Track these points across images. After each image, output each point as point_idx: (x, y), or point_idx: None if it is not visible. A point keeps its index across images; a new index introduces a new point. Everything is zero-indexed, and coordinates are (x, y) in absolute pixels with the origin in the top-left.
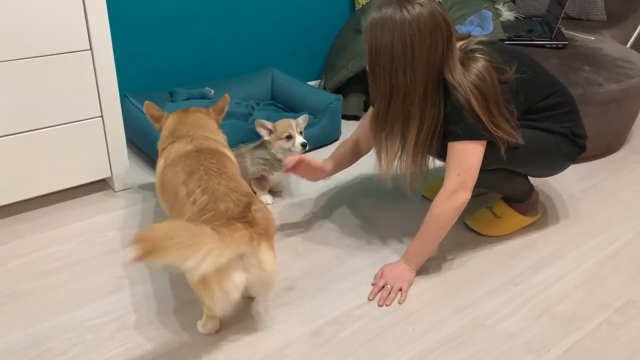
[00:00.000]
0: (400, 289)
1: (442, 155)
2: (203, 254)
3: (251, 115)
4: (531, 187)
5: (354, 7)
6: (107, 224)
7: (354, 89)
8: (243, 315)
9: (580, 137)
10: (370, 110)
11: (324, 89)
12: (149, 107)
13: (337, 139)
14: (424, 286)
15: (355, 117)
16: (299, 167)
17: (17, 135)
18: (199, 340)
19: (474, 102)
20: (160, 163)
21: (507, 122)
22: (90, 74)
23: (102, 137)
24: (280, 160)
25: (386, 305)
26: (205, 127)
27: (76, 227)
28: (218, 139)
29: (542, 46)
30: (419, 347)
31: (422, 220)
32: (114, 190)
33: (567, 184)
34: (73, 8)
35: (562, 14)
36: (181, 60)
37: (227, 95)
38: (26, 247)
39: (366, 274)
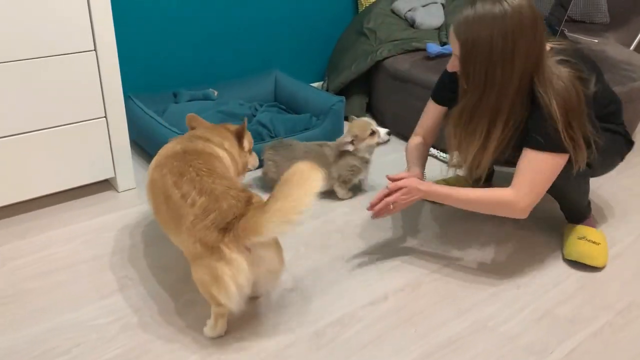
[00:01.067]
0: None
1: (504, 161)
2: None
3: (254, 116)
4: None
5: (357, 8)
6: (110, 224)
7: (357, 90)
8: (245, 316)
9: (628, 134)
10: (431, 106)
11: (327, 90)
12: (190, 120)
13: None
14: (425, 288)
15: None
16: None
17: (21, 135)
18: (201, 340)
19: (557, 113)
20: (152, 162)
21: (585, 138)
22: (94, 75)
23: (105, 138)
24: (367, 161)
25: (369, 210)
26: (215, 133)
27: (79, 227)
28: (216, 141)
29: None
30: (421, 348)
31: (438, 218)
32: (117, 191)
33: None
34: (78, 9)
35: (566, 17)
36: (185, 61)
37: (245, 123)
38: (29, 247)
39: (368, 275)
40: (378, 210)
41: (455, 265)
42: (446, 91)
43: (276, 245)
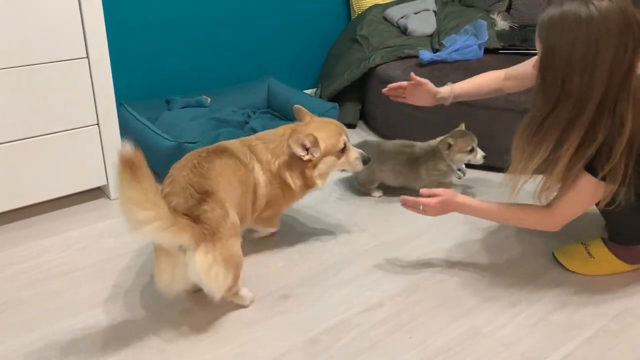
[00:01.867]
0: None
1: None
2: (152, 216)
3: (247, 123)
4: None
5: (350, 15)
6: (103, 232)
7: (350, 97)
8: (240, 324)
9: None
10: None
11: (320, 97)
12: (296, 112)
13: None
14: (420, 295)
15: (352, 125)
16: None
17: (13, 142)
18: (195, 348)
19: (623, 142)
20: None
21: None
22: (86, 82)
23: (98, 145)
24: (452, 170)
25: (405, 205)
26: (270, 138)
27: (72, 235)
28: (260, 152)
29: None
30: (416, 356)
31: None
32: (109, 198)
33: None
34: (69, 16)
35: None
36: (178, 68)
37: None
38: (21, 255)
39: (363, 281)
40: (407, 202)
41: (450, 271)
42: None
43: (205, 253)
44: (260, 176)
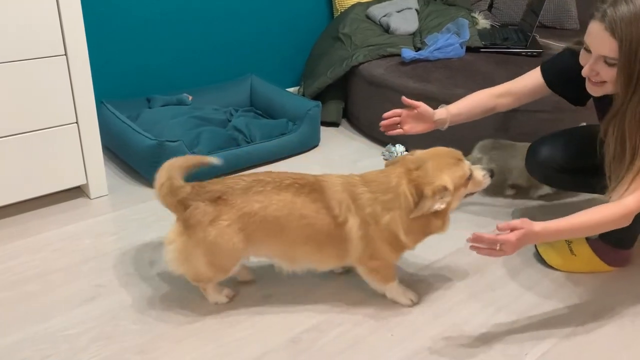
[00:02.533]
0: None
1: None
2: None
3: (229, 121)
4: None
5: (333, 14)
6: (82, 232)
7: (333, 95)
8: (222, 324)
9: None
10: (534, 73)
11: (303, 95)
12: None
13: (316, 145)
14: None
15: (335, 124)
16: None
17: None
18: (176, 349)
19: None
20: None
21: None
22: (65, 80)
23: (77, 144)
24: None
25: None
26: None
27: (50, 235)
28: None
29: (518, 54)
30: (398, 353)
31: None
32: (89, 198)
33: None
34: (47, 13)
35: (537, 23)
36: (159, 66)
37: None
38: None
39: (344, 281)
40: (482, 241)
41: (431, 268)
42: (566, 78)
43: (174, 229)
44: (355, 231)
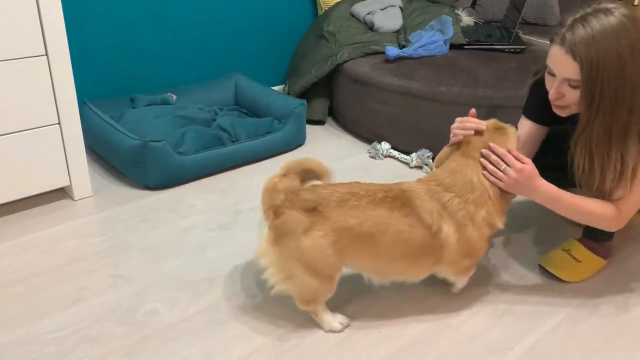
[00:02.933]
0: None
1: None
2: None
3: (214, 120)
4: None
5: (317, 12)
6: (66, 234)
7: (318, 93)
8: (208, 325)
9: None
10: (523, 123)
11: (288, 94)
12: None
13: (302, 144)
14: (388, 289)
15: (320, 122)
16: None
17: None
18: (162, 350)
19: None
20: None
21: None
22: (46, 80)
23: (60, 145)
24: None
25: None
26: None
27: (34, 238)
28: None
29: (501, 50)
30: (385, 350)
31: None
32: (73, 199)
33: None
34: (26, 11)
35: (520, 19)
36: (142, 66)
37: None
38: None
39: None
40: (495, 151)
41: None
42: (543, 108)
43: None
44: (451, 236)
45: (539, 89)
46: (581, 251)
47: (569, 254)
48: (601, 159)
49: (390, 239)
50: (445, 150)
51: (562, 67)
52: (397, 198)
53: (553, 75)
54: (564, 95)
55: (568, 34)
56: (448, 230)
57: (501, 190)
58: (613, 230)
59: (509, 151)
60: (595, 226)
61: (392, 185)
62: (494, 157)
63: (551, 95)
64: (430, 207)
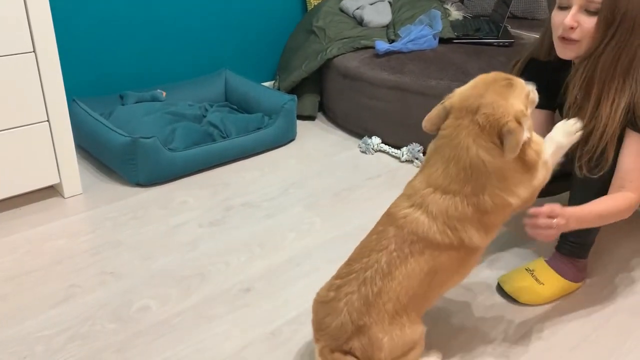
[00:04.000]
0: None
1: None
2: None
3: (204, 117)
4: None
5: (306, 7)
6: (56, 232)
7: (309, 89)
8: (200, 320)
9: None
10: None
11: (279, 89)
12: None
13: (292, 139)
14: None
15: (311, 117)
16: None
17: None
18: (153, 347)
19: None
20: None
21: None
22: (34, 78)
23: (49, 142)
24: None
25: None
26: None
27: (23, 236)
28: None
29: (490, 44)
30: None
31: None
32: (63, 197)
33: None
34: (13, 8)
35: (508, 13)
36: (131, 62)
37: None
38: None
39: (323, 272)
40: (540, 214)
41: None
42: (544, 89)
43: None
44: (475, 238)
45: (530, 72)
46: (546, 272)
47: (532, 274)
48: (600, 86)
49: (428, 282)
50: (437, 110)
51: (587, 16)
52: (402, 241)
53: (565, 7)
54: (579, 25)
55: None
56: (468, 236)
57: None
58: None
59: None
60: (615, 221)
61: (388, 227)
62: (542, 219)
63: (567, 23)
64: (436, 225)
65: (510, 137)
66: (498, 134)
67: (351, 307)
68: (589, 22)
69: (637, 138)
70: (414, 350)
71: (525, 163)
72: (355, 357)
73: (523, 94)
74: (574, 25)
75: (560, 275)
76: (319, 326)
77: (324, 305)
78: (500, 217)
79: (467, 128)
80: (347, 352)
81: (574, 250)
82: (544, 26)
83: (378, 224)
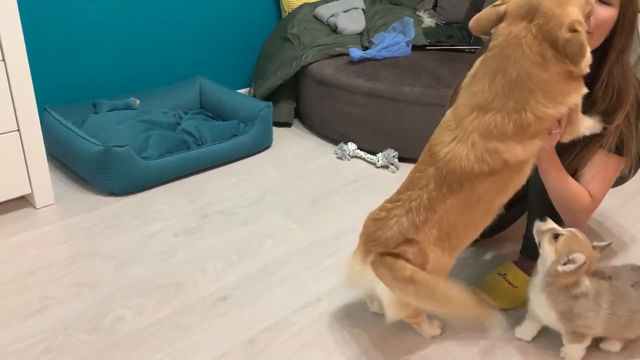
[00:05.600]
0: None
1: None
2: None
3: (179, 124)
4: None
5: (281, 14)
6: (28, 243)
7: (284, 95)
8: (176, 329)
9: None
10: None
11: (254, 96)
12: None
13: (268, 146)
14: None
15: (287, 124)
16: None
17: None
18: (128, 357)
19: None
20: None
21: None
22: (3, 86)
23: (19, 152)
24: None
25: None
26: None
27: None
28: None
29: (462, 51)
30: (355, 348)
31: None
32: (35, 207)
33: None
34: None
35: None
36: (104, 70)
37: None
38: None
39: (301, 279)
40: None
41: None
42: None
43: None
44: (519, 151)
45: None
46: (517, 275)
47: (505, 278)
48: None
49: (470, 211)
50: (487, 12)
51: (605, 8)
52: (441, 182)
53: None
54: (593, 13)
55: None
56: (511, 154)
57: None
58: (580, 224)
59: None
60: (567, 213)
61: (423, 172)
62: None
63: (593, 25)
64: (476, 155)
65: (569, 45)
66: (552, 45)
67: (401, 226)
68: (603, 12)
69: (606, 157)
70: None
71: (572, 73)
72: (406, 259)
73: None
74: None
75: (531, 276)
76: (370, 238)
77: (375, 221)
78: (543, 127)
79: (518, 37)
80: (397, 256)
81: (535, 253)
82: None
83: (420, 161)
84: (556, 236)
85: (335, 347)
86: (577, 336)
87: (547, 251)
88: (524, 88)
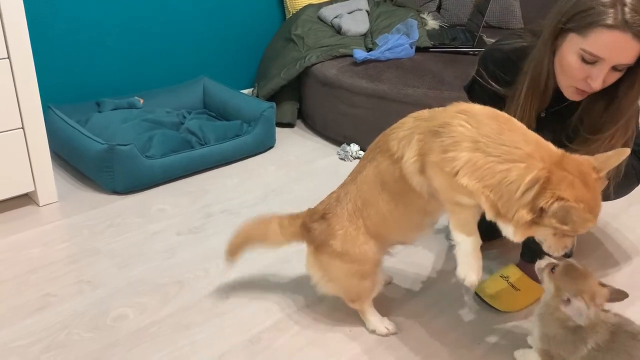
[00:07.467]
0: None
1: None
2: None
3: (182, 124)
4: None
5: (285, 15)
6: (31, 241)
7: (287, 96)
8: (178, 328)
9: None
10: None
11: (257, 97)
12: None
13: (272, 147)
14: None
15: (289, 125)
16: None
17: None
18: (129, 356)
19: None
20: None
21: None
22: (9, 84)
23: (24, 150)
24: None
25: None
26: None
27: None
28: None
29: (466, 53)
30: (356, 348)
31: None
32: (38, 205)
33: None
34: None
35: (483, 23)
36: (109, 69)
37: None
38: None
39: (303, 279)
40: None
41: (386, 264)
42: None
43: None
44: (411, 162)
45: (475, 91)
46: (520, 278)
47: (507, 281)
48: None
49: (378, 192)
50: None
51: (621, 53)
52: (372, 149)
53: (590, 62)
54: (606, 81)
55: (630, 15)
56: (409, 153)
57: None
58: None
59: None
60: None
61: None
62: None
63: (597, 87)
64: (402, 134)
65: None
66: None
67: (330, 199)
68: (613, 77)
69: None
70: (364, 280)
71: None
72: (312, 234)
73: None
74: (603, 85)
75: (534, 279)
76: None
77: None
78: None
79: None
80: (309, 229)
81: (535, 257)
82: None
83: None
84: (553, 268)
85: (335, 347)
86: (548, 357)
87: (547, 285)
88: None
